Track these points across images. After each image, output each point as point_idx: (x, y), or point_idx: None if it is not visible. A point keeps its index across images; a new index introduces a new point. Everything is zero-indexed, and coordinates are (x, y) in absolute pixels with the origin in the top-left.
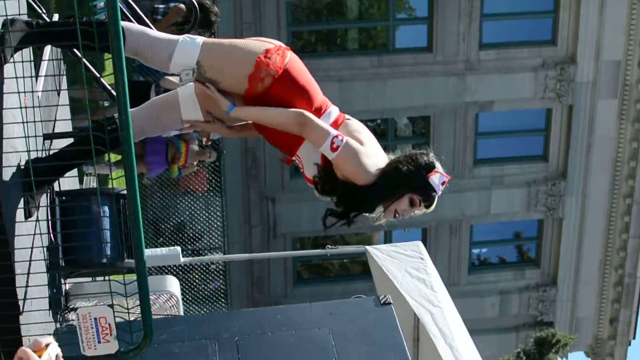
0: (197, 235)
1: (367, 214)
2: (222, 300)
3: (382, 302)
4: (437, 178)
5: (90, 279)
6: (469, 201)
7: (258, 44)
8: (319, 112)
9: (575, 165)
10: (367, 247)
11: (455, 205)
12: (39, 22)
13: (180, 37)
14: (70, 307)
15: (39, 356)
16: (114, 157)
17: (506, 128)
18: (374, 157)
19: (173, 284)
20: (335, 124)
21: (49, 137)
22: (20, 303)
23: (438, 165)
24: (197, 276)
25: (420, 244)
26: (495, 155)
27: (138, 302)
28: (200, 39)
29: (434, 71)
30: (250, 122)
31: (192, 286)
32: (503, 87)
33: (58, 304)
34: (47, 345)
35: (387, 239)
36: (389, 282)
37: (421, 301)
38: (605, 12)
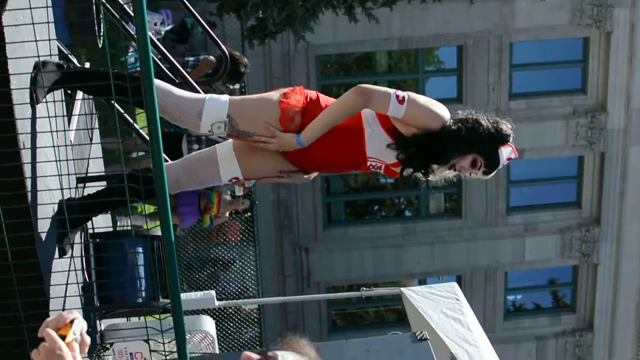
0: (231, 285)
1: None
2: (258, 347)
3: (418, 338)
4: (507, 152)
5: (125, 319)
6: (503, 248)
7: (275, 92)
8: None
9: (608, 212)
10: (402, 288)
11: (490, 253)
12: (71, 66)
13: (207, 96)
14: (106, 345)
15: (64, 336)
16: (149, 208)
17: (538, 176)
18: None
19: (208, 324)
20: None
21: (83, 180)
22: None
23: (511, 140)
24: (232, 325)
25: (455, 284)
26: (528, 202)
27: (173, 340)
28: (225, 97)
29: None
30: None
31: (227, 334)
32: (534, 136)
33: (93, 343)
34: (72, 322)
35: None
36: (424, 323)
37: (458, 340)
38: (634, 61)
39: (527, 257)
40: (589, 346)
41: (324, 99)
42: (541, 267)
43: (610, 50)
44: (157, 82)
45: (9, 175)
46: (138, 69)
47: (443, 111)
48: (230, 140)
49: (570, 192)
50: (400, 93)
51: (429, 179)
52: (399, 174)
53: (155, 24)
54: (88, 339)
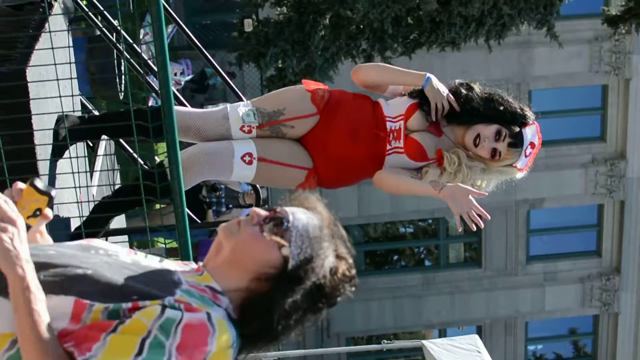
0: None
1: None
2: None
3: None
4: (532, 131)
5: None
6: (523, 298)
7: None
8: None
9: (629, 260)
10: (423, 341)
11: (510, 303)
12: (91, 116)
13: (228, 104)
14: None
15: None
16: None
17: (558, 224)
18: None
19: None
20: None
21: (106, 234)
22: None
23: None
24: None
25: (476, 337)
26: (548, 251)
27: None
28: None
29: None
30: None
31: None
32: (553, 184)
33: None
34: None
35: (442, 336)
36: None
37: None
38: None
39: (547, 307)
40: None
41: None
42: (561, 317)
43: (629, 97)
44: (177, 107)
45: None
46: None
47: None
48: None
49: (590, 241)
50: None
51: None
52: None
53: (175, 74)
54: (50, 215)
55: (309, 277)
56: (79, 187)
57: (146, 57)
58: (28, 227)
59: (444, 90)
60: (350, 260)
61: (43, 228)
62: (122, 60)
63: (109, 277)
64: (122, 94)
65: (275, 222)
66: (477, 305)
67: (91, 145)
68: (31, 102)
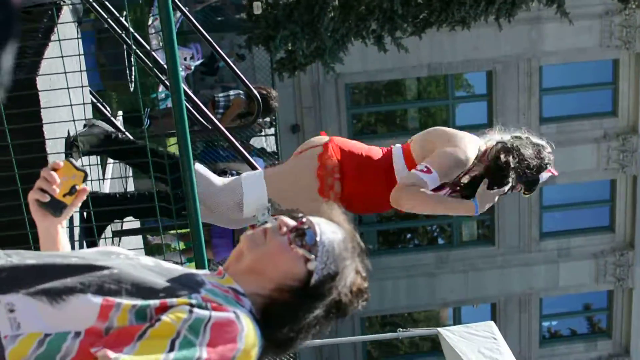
0: None
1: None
2: None
3: None
4: (546, 176)
5: None
6: (537, 275)
7: (307, 156)
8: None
9: None
10: (439, 329)
11: (524, 280)
12: (119, 136)
13: (243, 183)
14: None
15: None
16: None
17: (571, 200)
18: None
19: None
20: (409, 156)
21: (118, 234)
22: None
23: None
24: None
25: (492, 324)
26: (561, 228)
27: None
28: (259, 174)
29: None
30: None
31: None
32: (565, 160)
33: None
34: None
35: (456, 315)
36: None
37: None
38: None
39: (561, 283)
40: None
41: (353, 148)
42: (575, 293)
43: None
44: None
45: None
46: (169, 104)
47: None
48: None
49: (603, 217)
50: (420, 167)
51: None
52: None
53: (185, 59)
54: (87, 189)
55: (331, 294)
56: (92, 193)
57: (156, 42)
58: (62, 209)
59: (491, 198)
60: (364, 274)
61: (64, 222)
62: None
63: (135, 275)
64: (132, 84)
65: (302, 235)
66: (491, 283)
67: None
68: (42, 110)
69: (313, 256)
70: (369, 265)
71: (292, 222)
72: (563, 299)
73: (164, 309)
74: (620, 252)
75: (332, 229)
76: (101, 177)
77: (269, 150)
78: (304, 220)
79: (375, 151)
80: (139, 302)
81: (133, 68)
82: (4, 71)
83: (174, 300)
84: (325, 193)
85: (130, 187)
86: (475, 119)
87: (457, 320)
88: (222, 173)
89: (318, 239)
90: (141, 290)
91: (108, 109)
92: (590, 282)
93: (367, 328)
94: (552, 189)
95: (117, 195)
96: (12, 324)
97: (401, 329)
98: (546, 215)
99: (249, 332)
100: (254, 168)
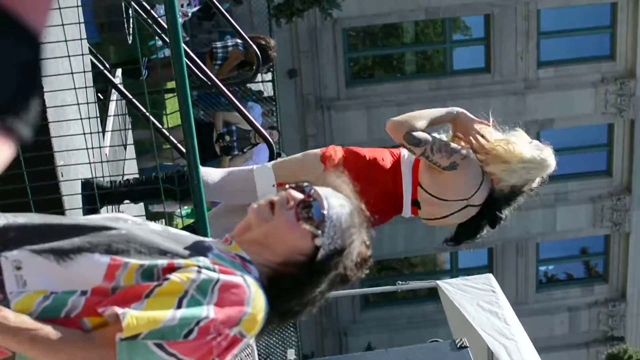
0: None
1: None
2: (291, 325)
3: (458, 346)
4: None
5: None
6: (534, 219)
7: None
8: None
9: (639, 180)
10: (438, 282)
11: (520, 224)
12: (117, 183)
13: (254, 173)
14: None
15: None
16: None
17: (568, 145)
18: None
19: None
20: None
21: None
22: None
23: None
24: None
25: (491, 276)
26: (559, 172)
27: None
28: (269, 168)
29: (493, 91)
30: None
31: None
32: (563, 104)
33: None
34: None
35: (453, 258)
36: (461, 316)
37: (495, 335)
38: None
39: (558, 228)
40: (622, 316)
41: (357, 150)
42: (572, 237)
43: (639, 14)
44: (206, 175)
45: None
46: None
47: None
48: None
49: (600, 161)
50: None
51: None
52: None
53: (182, 6)
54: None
55: (337, 269)
56: (92, 147)
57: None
58: None
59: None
60: (368, 242)
61: None
62: (130, 5)
63: (143, 236)
64: (131, 37)
65: (310, 209)
66: (487, 228)
67: (102, 98)
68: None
69: (320, 232)
70: (372, 233)
71: (299, 195)
72: (560, 244)
73: (171, 269)
74: (617, 196)
75: (339, 202)
76: (100, 129)
77: (265, 94)
78: (311, 192)
79: (380, 153)
80: (147, 262)
81: (131, 20)
82: (33, 114)
83: (182, 261)
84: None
85: (130, 141)
86: (472, 63)
87: (454, 265)
88: (219, 138)
89: (325, 213)
90: (149, 250)
91: (106, 64)
92: (587, 226)
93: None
94: (549, 133)
95: (131, 181)
96: (19, 281)
97: (400, 282)
98: None
99: (256, 297)
100: (267, 141)
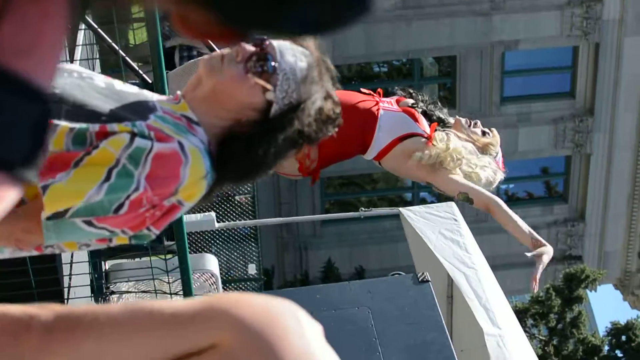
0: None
1: None
2: (252, 240)
3: (420, 279)
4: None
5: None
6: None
7: None
8: (374, 117)
9: (602, 102)
10: (400, 209)
11: None
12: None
13: None
14: (112, 289)
15: None
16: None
17: (532, 66)
18: None
19: (212, 263)
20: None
21: None
22: (65, 291)
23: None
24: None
25: (453, 204)
26: (522, 93)
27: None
28: None
29: (459, 11)
30: None
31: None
32: (529, 26)
33: (100, 289)
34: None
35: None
36: (422, 244)
37: (455, 263)
38: None
39: (520, 148)
40: (581, 236)
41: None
42: (534, 158)
43: None
44: None
45: None
46: None
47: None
48: None
49: (564, 83)
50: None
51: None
52: None
53: None
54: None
55: (293, 125)
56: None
57: None
58: None
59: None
60: (336, 99)
61: None
62: None
63: (79, 97)
64: None
65: (261, 62)
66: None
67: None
68: None
69: (272, 86)
70: (339, 85)
71: (250, 48)
72: (521, 164)
73: (104, 134)
74: (579, 118)
75: (295, 53)
76: (68, 58)
77: None
78: (265, 44)
79: (358, 98)
80: (77, 125)
81: None
82: (40, 163)
83: (115, 126)
84: (302, 168)
85: (98, 70)
86: None
87: (415, 197)
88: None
89: (277, 65)
90: (82, 113)
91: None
92: (549, 147)
93: (328, 190)
94: (515, 54)
95: None
96: None
97: (363, 209)
98: (508, 80)
99: (194, 164)
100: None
